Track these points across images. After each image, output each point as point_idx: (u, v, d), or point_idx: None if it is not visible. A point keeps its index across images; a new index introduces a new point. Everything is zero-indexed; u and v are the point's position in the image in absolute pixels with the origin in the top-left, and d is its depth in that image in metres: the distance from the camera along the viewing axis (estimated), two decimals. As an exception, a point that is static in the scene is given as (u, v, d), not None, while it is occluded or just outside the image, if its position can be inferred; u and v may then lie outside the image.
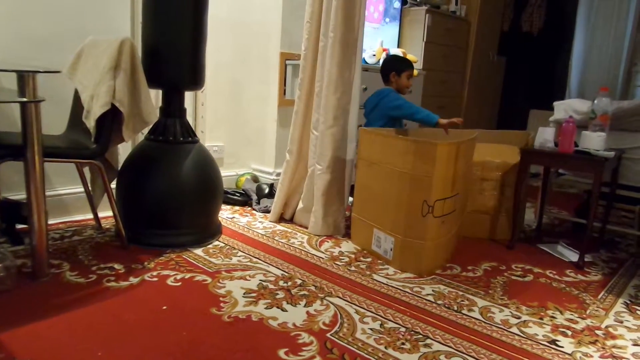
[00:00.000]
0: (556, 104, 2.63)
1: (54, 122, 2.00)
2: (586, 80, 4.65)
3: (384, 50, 3.51)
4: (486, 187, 2.40)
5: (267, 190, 2.76)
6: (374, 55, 3.46)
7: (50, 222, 2.11)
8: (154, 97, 2.31)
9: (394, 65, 2.66)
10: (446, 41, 4.15)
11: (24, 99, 1.50)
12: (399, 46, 3.95)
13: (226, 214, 2.59)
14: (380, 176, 2.07)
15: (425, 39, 3.92)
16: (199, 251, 2.01)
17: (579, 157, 2.11)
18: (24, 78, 1.49)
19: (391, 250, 2.02)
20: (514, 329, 1.54)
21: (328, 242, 2.27)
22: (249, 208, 2.73)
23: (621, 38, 4.40)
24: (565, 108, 2.53)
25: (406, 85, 2.64)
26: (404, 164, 1.93)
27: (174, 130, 2.04)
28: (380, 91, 2.63)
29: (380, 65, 2.77)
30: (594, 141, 2.12)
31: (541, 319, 1.63)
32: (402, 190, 1.95)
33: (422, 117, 2.47)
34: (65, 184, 2.25)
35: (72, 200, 2.26)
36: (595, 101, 2.18)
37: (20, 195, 2.01)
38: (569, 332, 1.55)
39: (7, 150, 1.59)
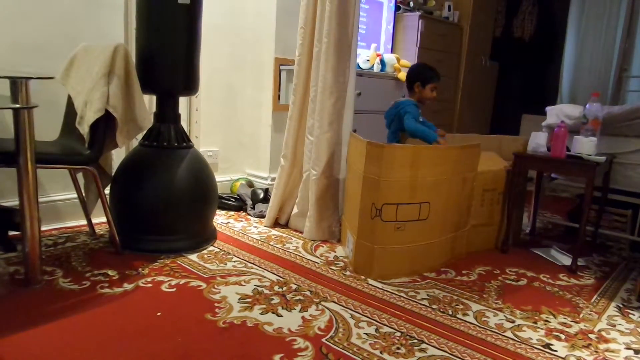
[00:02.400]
0: (548, 109, 2.65)
1: (47, 128, 1.99)
2: (577, 86, 4.70)
3: (378, 55, 3.53)
4: (487, 199, 2.32)
5: (261, 195, 2.76)
6: (368, 60, 3.48)
7: (43, 228, 2.10)
8: (148, 103, 2.30)
9: (419, 75, 2.48)
10: (439, 46, 4.18)
11: (17, 105, 1.49)
12: (392, 51, 3.98)
13: (221, 219, 2.59)
14: (353, 179, 2.08)
15: (418, 45, 3.95)
16: (193, 257, 2.00)
17: (571, 161, 2.13)
18: (17, 84, 1.49)
19: (351, 250, 2.02)
20: (508, 333, 1.55)
21: (323, 246, 2.27)
22: (244, 213, 2.73)
23: (611, 44, 4.45)
24: (557, 113, 2.55)
25: (429, 97, 2.48)
26: (362, 165, 1.93)
27: (168, 135, 2.04)
28: (397, 104, 2.48)
29: (407, 72, 2.61)
30: (585, 146, 2.14)
31: (535, 322, 1.64)
32: (360, 192, 1.94)
33: (430, 140, 2.33)
34: (58, 190, 2.23)
35: (65, 207, 2.25)
36: (587, 106, 2.20)
37: (12, 202, 2.00)
38: (563, 336, 1.56)
39: (0, 157, 1.58)
